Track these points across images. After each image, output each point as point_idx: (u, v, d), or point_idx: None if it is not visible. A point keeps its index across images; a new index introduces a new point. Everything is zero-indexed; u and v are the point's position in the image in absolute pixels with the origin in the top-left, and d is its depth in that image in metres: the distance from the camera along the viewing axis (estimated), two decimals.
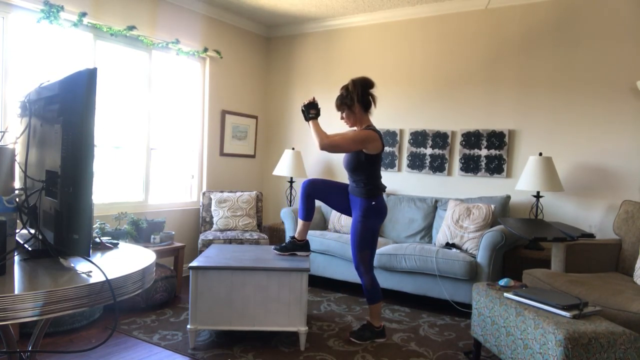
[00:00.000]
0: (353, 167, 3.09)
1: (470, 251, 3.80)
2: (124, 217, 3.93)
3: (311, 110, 3.04)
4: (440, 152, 4.60)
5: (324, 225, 4.81)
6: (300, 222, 3.29)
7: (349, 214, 3.28)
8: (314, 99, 3.11)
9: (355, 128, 3.16)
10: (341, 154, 3.49)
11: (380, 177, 3.16)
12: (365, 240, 3.09)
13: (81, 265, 1.34)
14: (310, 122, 3.04)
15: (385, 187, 3.19)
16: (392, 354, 2.98)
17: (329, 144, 2.95)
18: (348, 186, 3.25)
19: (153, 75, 4.50)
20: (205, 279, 2.93)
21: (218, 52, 5.01)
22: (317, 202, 5.07)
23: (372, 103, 3.11)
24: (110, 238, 1.92)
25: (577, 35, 3.99)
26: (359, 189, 3.10)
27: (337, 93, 5.30)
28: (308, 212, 3.25)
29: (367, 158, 3.04)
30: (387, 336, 3.26)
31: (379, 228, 3.16)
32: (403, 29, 4.85)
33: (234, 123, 5.32)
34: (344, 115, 3.11)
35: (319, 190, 3.23)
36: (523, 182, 3.83)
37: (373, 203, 3.06)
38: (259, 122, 5.68)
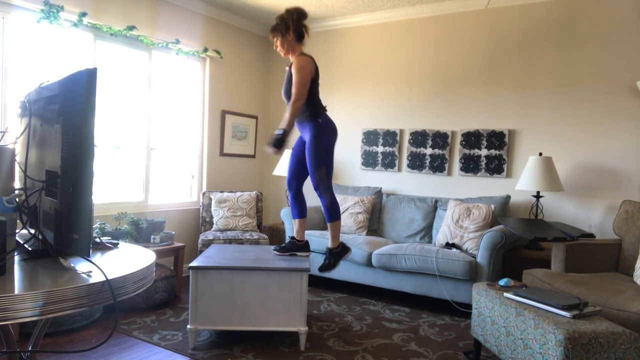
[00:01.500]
0: (290, 94, 3.10)
1: (470, 251, 3.80)
2: (124, 217, 3.93)
3: (276, 139, 2.98)
4: (440, 152, 4.60)
5: (323, 225, 4.81)
6: (294, 221, 3.31)
7: None
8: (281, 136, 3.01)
9: (289, 57, 3.17)
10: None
11: (319, 98, 3.18)
12: (320, 157, 3.08)
13: (81, 265, 1.34)
14: (283, 130, 2.98)
15: (325, 106, 3.20)
16: (392, 354, 2.98)
17: (295, 100, 2.96)
18: (298, 141, 3.27)
19: (153, 75, 4.50)
20: (205, 279, 2.93)
21: (218, 52, 5.01)
22: (315, 203, 5.08)
23: (305, 33, 3.17)
24: (110, 238, 1.92)
25: (577, 35, 3.99)
26: (303, 115, 3.11)
27: (338, 93, 5.29)
28: (299, 209, 3.30)
29: None
30: (350, 248, 3.27)
31: (332, 145, 3.16)
32: (403, 29, 4.85)
33: (234, 123, 5.32)
34: (277, 43, 3.16)
35: (296, 176, 3.28)
36: (523, 182, 3.83)
37: (320, 120, 3.09)
38: (259, 122, 5.68)
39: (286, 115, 2.99)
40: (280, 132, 2.96)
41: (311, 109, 3.10)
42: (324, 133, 3.09)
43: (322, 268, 3.19)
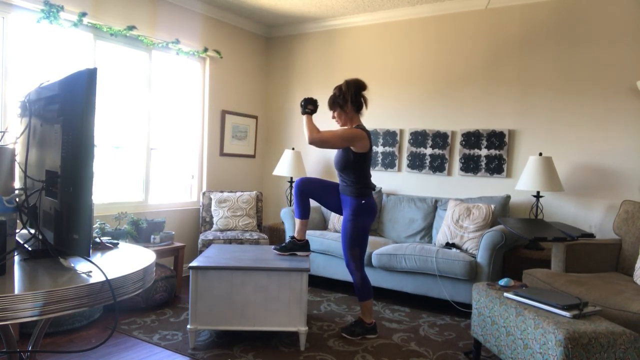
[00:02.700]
0: (342, 166, 3.14)
1: (470, 251, 3.80)
2: (124, 217, 3.93)
3: (309, 105, 3.13)
4: (440, 152, 4.60)
5: (323, 225, 4.81)
6: (297, 221, 3.30)
7: (340, 212, 3.32)
8: (314, 98, 3.19)
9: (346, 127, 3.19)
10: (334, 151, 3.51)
11: (369, 176, 3.20)
12: (355, 238, 3.12)
13: (81, 265, 1.34)
14: (305, 116, 3.11)
15: (375, 186, 3.23)
16: (392, 354, 2.98)
17: (319, 139, 3.00)
18: (339, 185, 3.28)
19: (153, 75, 4.50)
20: (205, 279, 2.93)
21: (218, 52, 5.01)
22: (315, 203, 5.07)
23: (364, 104, 3.17)
24: (110, 238, 1.92)
25: (577, 35, 3.99)
26: (349, 188, 3.14)
27: None
28: (304, 210, 3.29)
29: (356, 157, 3.08)
30: (378, 333, 3.28)
31: (369, 226, 3.19)
32: (403, 29, 4.85)
33: (234, 123, 5.32)
34: (335, 114, 3.17)
35: (312, 189, 3.27)
36: (523, 182, 3.83)
37: (363, 202, 3.10)
38: (259, 122, 5.68)
39: (312, 125, 3.06)
40: (305, 98, 3.12)
41: (359, 188, 3.10)
42: (363, 214, 3.10)
43: (345, 331, 3.20)
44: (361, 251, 3.18)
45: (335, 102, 3.13)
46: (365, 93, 3.17)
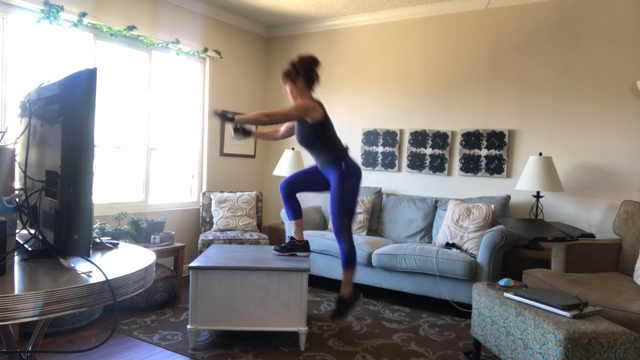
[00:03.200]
0: (307, 142, 3.10)
1: (470, 251, 3.80)
2: (124, 217, 3.93)
3: (227, 114, 2.92)
4: (440, 152, 4.60)
5: (324, 225, 4.81)
6: (291, 223, 3.31)
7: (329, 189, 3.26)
8: (222, 110, 2.98)
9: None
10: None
11: (338, 140, 3.15)
12: (343, 205, 3.07)
13: (81, 266, 1.34)
14: (236, 118, 2.93)
15: (347, 146, 3.19)
16: (392, 354, 2.98)
17: (266, 114, 2.95)
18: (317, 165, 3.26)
19: (153, 75, 4.50)
20: (205, 279, 2.93)
21: (218, 52, 5.01)
22: (315, 203, 5.08)
23: (316, 80, 3.15)
24: (110, 238, 1.92)
25: (577, 35, 3.99)
26: (324, 159, 3.11)
27: (338, 93, 5.31)
28: (294, 210, 3.28)
29: (315, 128, 3.04)
30: (361, 294, 3.20)
31: (357, 189, 3.13)
32: (403, 29, 4.85)
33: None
34: (287, 88, 3.15)
35: (294, 184, 3.26)
36: (523, 182, 3.83)
37: (343, 167, 3.06)
38: None
39: (249, 115, 2.95)
40: (236, 123, 2.93)
41: (333, 154, 3.08)
42: (349, 178, 3.07)
43: (334, 317, 3.12)
44: (350, 218, 3.12)
45: (288, 76, 3.12)
46: (318, 70, 3.13)
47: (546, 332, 2.12)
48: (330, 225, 4.66)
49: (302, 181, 3.27)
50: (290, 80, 3.11)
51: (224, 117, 2.91)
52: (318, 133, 3.05)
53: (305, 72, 3.08)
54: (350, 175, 3.07)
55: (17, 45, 3.52)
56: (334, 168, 3.07)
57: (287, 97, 3.21)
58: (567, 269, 3.24)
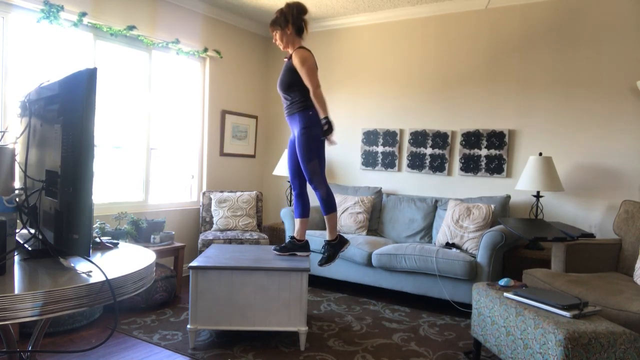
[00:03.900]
0: (287, 85, 3.14)
1: (470, 251, 3.80)
2: (124, 217, 3.93)
3: (325, 126, 3.09)
4: (440, 152, 4.60)
5: (324, 225, 4.80)
6: (296, 220, 3.31)
7: None
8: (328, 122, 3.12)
9: (289, 50, 3.21)
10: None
11: None
12: (311, 149, 3.09)
13: (81, 265, 1.34)
14: (325, 118, 3.07)
15: None
16: (392, 354, 2.98)
17: (317, 87, 3.07)
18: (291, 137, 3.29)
19: (153, 75, 4.50)
20: (205, 279, 2.93)
21: (218, 52, 5.01)
22: (315, 203, 5.07)
23: (304, 28, 3.20)
24: (110, 238, 1.92)
25: (577, 35, 3.99)
26: (294, 106, 3.14)
27: (338, 93, 5.30)
28: (303, 208, 3.31)
29: (300, 74, 3.11)
30: (348, 240, 3.29)
31: (322, 139, 3.16)
32: (403, 29, 4.85)
33: (234, 123, 5.32)
34: (276, 36, 3.19)
35: (297, 174, 3.29)
36: (523, 182, 3.83)
37: (310, 113, 3.09)
38: (259, 122, 5.68)
39: (317, 105, 3.05)
40: (324, 120, 3.04)
41: (303, 101, 3.12)
42: (314, 124, 3.09)
43: (322, 261, 3.21)
44: (320, 163, 3.14)
45: (277, 23, 3.16)
46: (307, 17, 3.19)
47: (546, 332, 2.12)
48: None
49: (296, 164, 3.29)
50: (279, 28, 3.15)
51: (329, 125, 3.06)
52: (301, 80, 3.10)
53: (294, 19, 3.12)
54: (316, 121, 3.09)
55: (17, 45, 3.52)
56: (301, 114, 3.10)
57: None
58: (567, 269, 3.24)
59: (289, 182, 5.34)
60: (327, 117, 3.04)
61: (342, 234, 3.30)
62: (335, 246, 3.23)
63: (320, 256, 3.29)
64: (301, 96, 3.12)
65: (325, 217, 3.21)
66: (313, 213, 4.75)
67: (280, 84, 3.19)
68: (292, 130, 3.24)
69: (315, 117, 3.10)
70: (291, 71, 3.11)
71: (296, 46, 3.15)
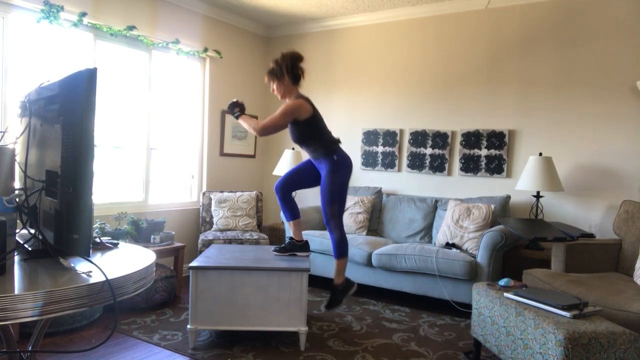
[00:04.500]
0: (299, 138, 3.15)
1: (470, 251, 3.80)
2: (124, 217, 3.93)
3: (235, 108, 3.14)
4: (440, 152, 4.60)
5: (323, 225, 4.80)
6: (289, 224, 3.32)
7: None
8: (236, 100, 3.19)
9: (286, 100, 3.19)
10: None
11: (329, 133, 3.19)
12: (334, 194, 3.10)
13: (81, 265, 1.34)
14: (240, 118, 3.14)
15: (338, 139, 3.21)
16: (392, 354, 2.98)
17: (263, 127, 3.03)
18: (309, 159, 3.29)
19: (153, 75, 4.50)
20: (205, 279, 2.93)
21: (218, 52, 5.01)
22: (315, 203, 5.07)
23: (301, 76, 3.18)
24: (110, 238, 1.92)
25: (577, 35, 3.99)
26: (317, 152, 3.14)
27: (338, 93, 5.31)
28: (291, 211, 3.30)
29: (305, 124, 3.08)
30: (355, 283, 3.26)
31: (347, 181, 3.17)
32: (403, 29, 4.85)
33: (234, 123, 5.31)
34: (273, 87, 3.18)
35: (290, 183, 3.28)
36: (523, 182, 3.83)
37: (335, 157, 3.09)
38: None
39: (250, 122, 3.08)
40: (228, 105, 3.13)
41: (325, 147, 3.11)
42: (339, 169, 3.10)
43: (329, 306, 3.17)
44: (340, 208, 3.15)
45: (273, 74, 3.14)
46: (302, 65, 3.17)
47: (546, 332, 2.12)
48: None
49: (295, 179, 3.29)
50: (275, 78, 3.13)
51: (232, 110, 3.11)
52: (309, 129, 3.09)
53: (289, 69, 3.10)
54: (341, 165, 3.10)
55: (17, 45, 3.52)
56: (326, 160, 3.10)
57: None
58: (567, 269, 3.24)
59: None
60: (237, 117, 3.13)
61: (348, 277, 3.25)
62: (342, 291, 3.18)
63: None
64: (319, 145, 3.11)
65: (335, 260, 3.18)
66: (312, 213, 4.75)
67: (293, 140, 3.19)
68: (318, 168, 3.22)
69: (341, 161, 3.10)
70: (295, 124, 3.09)
71: (293, 95, 3.13)
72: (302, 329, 2.96)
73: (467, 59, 4.49)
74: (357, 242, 4.12)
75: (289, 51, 3.15)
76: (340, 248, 3.14)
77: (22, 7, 3.50)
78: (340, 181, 3.10)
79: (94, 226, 3.42)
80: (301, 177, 3.28)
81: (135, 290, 1.33)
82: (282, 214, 4.57)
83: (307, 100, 3.10)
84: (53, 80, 1.45)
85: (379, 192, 4.76)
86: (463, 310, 3.71)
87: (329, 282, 4.56)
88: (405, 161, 4.82)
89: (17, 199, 1.42)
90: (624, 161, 3.81)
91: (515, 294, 2.48)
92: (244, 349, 2.96)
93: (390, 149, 4.88)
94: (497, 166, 4.32)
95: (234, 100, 3.18)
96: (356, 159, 5.14)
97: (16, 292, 1.08)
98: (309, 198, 5.22)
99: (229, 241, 4.32)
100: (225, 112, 3.13)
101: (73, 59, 3.85)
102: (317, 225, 4.71)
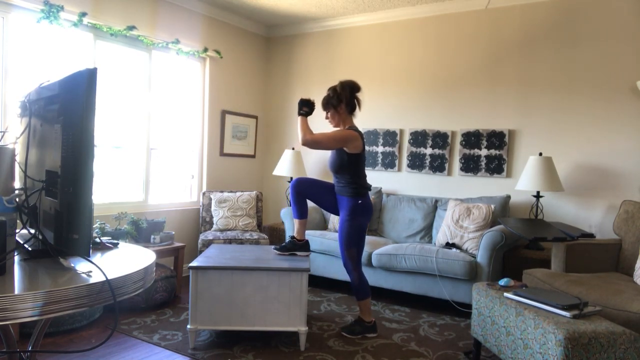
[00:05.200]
0: (337, 167, 3.16)
1: (470, 251, 3.80)
2: (124, 217, 3.93)
3: (304, 107, 3.15)
4: (440, 152, 4.60)
5: (324, 225, 4.80)
6: (296, 221, 3.31)
7: (336, 212, 3.34)
8: (309, 99, 3.20)
9: (338, 128, 3.21)
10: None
11: (364, 176, 3.22)
12: (352, 238, 3.14)
13: (81, 265, 1.34)
14: (300, 117, 3.13)
15: (370, 186, 3.24)
16: (392, 354, 2.98)
17: (311, 140, 3.03)
18: (334, 186, 3.29)
19: (153, 75, 4.50)
20: (205, 279, 2.93)
21: (218, 52, 5.01)
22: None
23: (358, 106, 3.19)
24: (110, 238, 1.92)
25: (577, 35, 3.99)
26: (345, 189, 3.16)
27: None
28: (301, 210, 3.30)
29: (350, 158, 3.10)
30: (378, 332, 3.29)
31: (366, 226, 3.21)
32: (403, 29, 4.85)
33: (234, 123, 5.32)
34: (328, 115, 3.19)
35: (308, 189, 3.29)
36: (523, 182, 3.83)
37: (359, 202, 3.12)
38: (259, 122, 5.68)
39: (306, 127, 3.07)
40: (302, 99, 3.12)
41: (354, 188, 3.12)
42: (360, 214, 3.12)
43: (346, 331, 3.22)
44: (358, 251, 3.19)
45: (329, 103, 3.16)
46: (359, 95, 3.19)
47: (546, 332, 2.12)
48: (330, 225, 4.65)
49: (316, 191, 3.30)
50: (332, 107, 3.13)
51: (301, 106, 3.12)
52: (351, 163, 3.10)
53: (347, 99, 3.11)
54: (362, 211, 3.13)
55: (17, 45, 3.52)
56: (350, 200, 3.12)
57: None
58: (567, 269, 3.24)
59: (289, 182, 5.34)
60: (302, 114, 3.11)
61: (375, 321, 3.31)
62: (366, 329, 3.24)
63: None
64: (351, 182, 3.12)
65: (357, 302, 3.25)
66: (312, 213, 4.75)
67: (330, 165, 3.20)
68: (339, 201, 3.24)
69: (363, 206, 3.11)
70: (341, 153, 3.09)
71: (347, 125, 3.15)
72: (302, 329, 2.96)
73: (467, 59, 4.49)
74: None
75: (348, 81, 3.17)
76: (359, 290, 3.20)
77: (22, 7, 3.50)
78: (358, 225, 3.13)
79: (94, 226, 3.42)
80: (321, 194, 3.30)
81: (135, 290, 1.33)
82: (282, 213, 4.57)
83: (361, 135, 3.13)
84: (53, 80, 1.45)
85: (379, 192, 4.76)
86: (463, 310, 3.71)
87: (329, 282, 4.57)
88: (405, 161, 4.82)
89: (17, 199, 1.42)
90: (624, 161, 3.81)
91: (515, 294, 2.48)
92: (244, 349, 2.96)
93: (390, 149, 4.88)
94: (497, 166, 4.32)
95: (308, 99, 3.17)
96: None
97: (16, 292, 1.08)
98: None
99: (229, 241, 4.32)
100: (298, 102, 3.15)
101: (73, 59, 3.85)
102: (318, 225, 4.71)
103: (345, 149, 3.08)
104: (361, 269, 3.21)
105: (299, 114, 3.13)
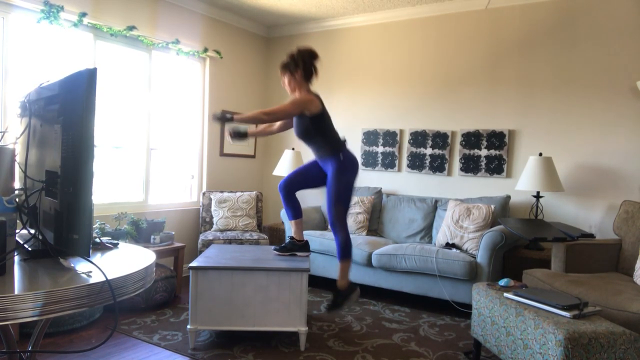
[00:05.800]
0: (304, 133, 3.10)
1: (470, 251, 3.80)
2: (124, 217, 3.93)
3: (226, 114, 3.00)
4: (440, 152, 4.60)
5: (324, 225, 4.80)
6: (291, 222, 3.31)
7: None
8: (222, 111, 3.10)
9: (295, 95, 3.16)
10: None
11: (335, 132, 3.16)
12: (339, 194, 3.07)
13: (81, 266, 1.33)
14: (235, 118, 2.98)
15: (345, 139, 3.19)
16: (392, 354, 2.98)
17: (267, 112, 2.97)
18: (315, 160, 3.26)
19: (153, 75, 4.50)
20: (205, 279, 2.93)
21: (218, 52, 5.01)
22: (315, 203, 5.08)
23: (314, 73, 3.15)
24: (110, 238, 1.92)
25: (577, 35, 3.99)
26: (323, 151, 3.11)
27: (338, 93, 5.31)
28: (294, 210, 3.28)
29: (313, 120, 3.04)
30: (357, 287, 3.20)
31: (353, 182, 3.14)
32: (403, 29, 4.85)
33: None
34: (285, 80, 3.15)
35: (294, 181, 3.26)
36: (523, 182, 3.82)
37: (341, 157, 3.07)
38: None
39: (248, 114, 2.97)
40: (229, 116, 2.95)
41: (331, 145, 3.08)
42: (346, 170, 3.08)
43: (330, 308, 3.11)
44: (345, 209, 3.12)
45: (286, 67, 3.12)
46: (317, 63, 3.14)
47: (546, 332, 2.12)
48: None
49: (301, 179, 3.28)
50: (288, 72, 3.11)
51: (224, 118, 2.95)
52: (316, 126, 3.05)
53: (304, 64, 3.08)
54: (347, 166, 3.08)
55: (17, 45, 3.52)
56: (332, 159, 3.08)
57: (287, 94, 3.21)
58: (567, 269, 3.24)
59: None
60: (232, 117, 2.93)
61: (352, 281, 3.20)
62: (345, 295, 3.11)
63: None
64: (325, 143, 3.08)
65: (339, 262, 3.13)
66: (312, 213, 4.75)
67: (298, 134, 3.15)
68: (324, 169, 3.19)
69: (347, 161, 3.07)
70: (302, 118, 3.05)
71: (303, 91, 3.11)
72: (302, 329, 2.96)
73: (467, 59, 4.49)
74: (357, 242, 4.12)
75: (306, 47, 3.15)
76: (345, 250, 3.11)
77: (22, 7, 3.50)
78: (346, 181, 3.08)
79: (94, 226, 3.42)
80: (306, 176, 3.27)
81: (135, 291, 1.33)
82: (282, 213, 4.57)
83: (318, 96, 3.10)
84: (53, 81, 1.45)
85: (379, 192, 4.76)
86: (463, 311, 3.71)
87: (329, 282, 4.57)
88: (405, 161, 4.82)
89: (17, 199, 1.42)
90: (624, 161, 3.81)
91: (515, 294, 2.48)
92: (244, 349, 2.96)
93: (390, 149, 4.88)
94: (497, 166, 4.32)
95: (219, 113, 3.02)
96: (354, 152, 5.14)
97: (16, 292, 1.08)
98: (310, 198, 5.22)
99: (229, 241, 4.32)
100: (223, 120, 3.00)
101: (73, 59, 3.85)
102: (318, 226, 4.71)
103: (306, 112, 3.03)
104: (348, 228, 3.13)
105: (228, 118, 2.97)
